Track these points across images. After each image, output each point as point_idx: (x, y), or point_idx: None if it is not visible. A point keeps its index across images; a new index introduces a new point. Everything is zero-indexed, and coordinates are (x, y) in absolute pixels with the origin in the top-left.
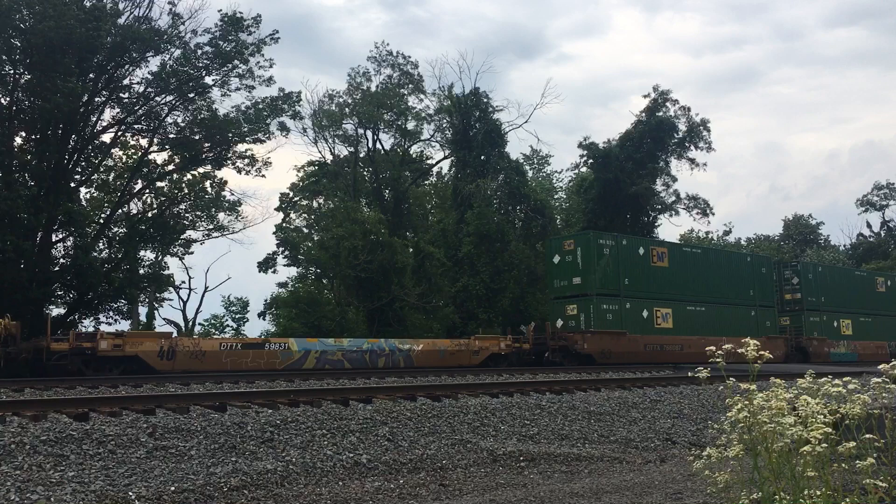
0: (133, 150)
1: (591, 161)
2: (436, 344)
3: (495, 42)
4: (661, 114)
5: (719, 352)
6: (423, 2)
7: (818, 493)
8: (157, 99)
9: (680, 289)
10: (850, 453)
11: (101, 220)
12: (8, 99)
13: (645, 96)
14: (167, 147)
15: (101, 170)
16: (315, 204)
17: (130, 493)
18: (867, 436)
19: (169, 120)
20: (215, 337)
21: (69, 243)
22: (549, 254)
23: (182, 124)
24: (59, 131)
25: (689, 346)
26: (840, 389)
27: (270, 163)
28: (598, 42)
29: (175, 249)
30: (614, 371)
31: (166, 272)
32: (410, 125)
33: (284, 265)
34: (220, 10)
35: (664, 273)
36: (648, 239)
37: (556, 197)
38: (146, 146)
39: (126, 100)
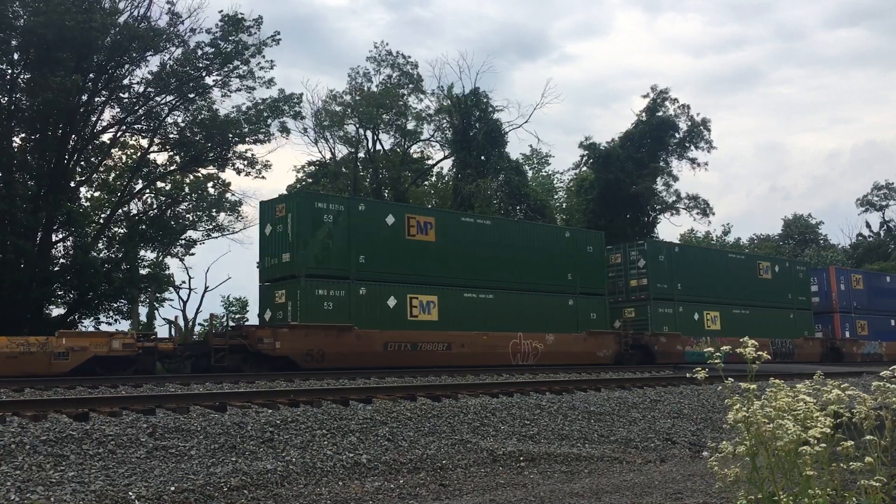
0: (133, 150)
1: (591, 161)
2: None
3: (497, 42)
4: (661, 113)
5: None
6: (426, 2)
7: (819, 491)
8: (157, 99)
9: (453, 270)
10: (849, 453)
11: (101, 220)
12: (7, 98)
13: (644, 96)
14: (167, 147)
15: (101, 170)
16: None
17: (130, 493)
18: (868, 437)
19: (169, 120)
20: None
21: (69, 243)
22: (261, 222)
23: (182, 125)
24: (59, 131)
25: (465, 344)
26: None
27: (270, 165)
28: (600, 42)
29: (175, 250)
30: (614, 371)
31: (166, 272)
32: (410, 125)
33: None
34: (221, 11)
35: (428, 249)
36: (404, 205)
37: (556, 197)
38: (146, 146)
39: (126, 100)
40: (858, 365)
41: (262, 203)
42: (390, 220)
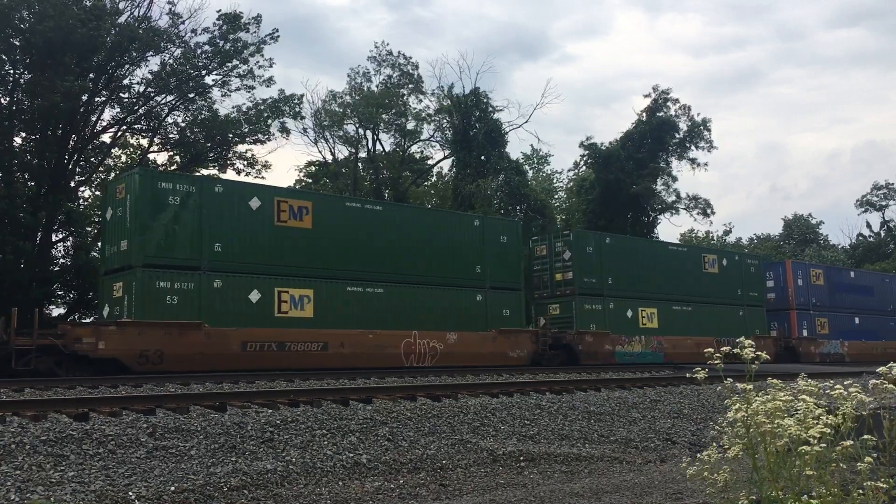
0: (133, 150)
1: (591, 161)
2: None
3: (498, 43)
4: (661, 114)
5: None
6: (428, 2)
7: (820, 491)
8: (158, 99)
9: (335, 261)
10: (848, 453)
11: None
12: (8, 99)
13: (646, 96)
14: (167, 147)
15: (101, 170)
16: None
17: (130, 493)
18: (866, 436)
19: (169, 120)
20: None
21: (69, 243)
22: (102, 206)
23: (182, 124)
24: (59, 131)
25: (346, 343)
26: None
27: (270, 165)
28: (601, 43)
29: None
30: (614, 371)
31: None
32: (410, 125)
33: None
34: (219, 11)
35: (303, 237)
36: (273, 187)
37: (555, 197)
38: (146, 146)
39: (126, 100)
40: (818, 365)
41: (106, 184)
42: (255, 203)
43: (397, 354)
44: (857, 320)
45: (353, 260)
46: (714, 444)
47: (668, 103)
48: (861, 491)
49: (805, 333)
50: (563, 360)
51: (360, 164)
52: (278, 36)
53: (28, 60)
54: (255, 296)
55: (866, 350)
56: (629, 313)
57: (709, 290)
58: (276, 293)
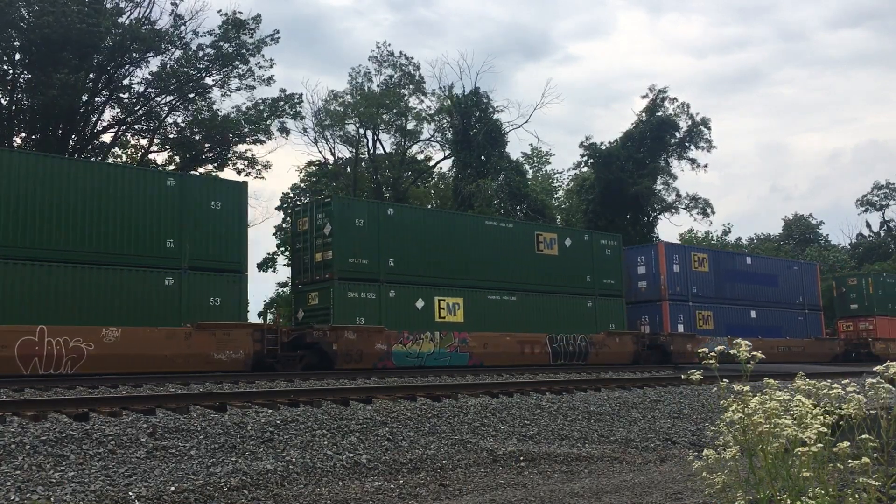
0: (133, 150)
1: (591, 161)
2: None
3: (501, 43)
4: (660, 113)
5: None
6: (431, 3)
7: (818, 492)
8: (158, 99)
9: None
10: (846, 453)
11: None
12: (8, 99)
13: (643, 97)
14: (167, 147)
15: None
16: None
17: (130, 493)
18: (864, 436)
19: (169, 120)
20: None
21: None
22: None
23: (182, 124)
24: (60, 131)
25: None
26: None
27: (269, 165)
28: (603, 43)
29: None
30: (614, 371)
31: None
32: (410, 125)
33: (284, 265)
34: (220, 11)
35: None
36: None
37: (555, 197)
38: (146, 146)
39: (126, 100)
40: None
41: None
42: None
43: (9, 359)
44: (752, 314)
45: None
46: (712, 444)
47: (666, 102)
48: (856, 492)
49: (680, 329)
50: (312, 363)
51: (361, 164)
52: (279, 37)
53: (27, 60)
54: None
55: (763, 349)
56: (419, 303)
57: (544, 276)
58: None
